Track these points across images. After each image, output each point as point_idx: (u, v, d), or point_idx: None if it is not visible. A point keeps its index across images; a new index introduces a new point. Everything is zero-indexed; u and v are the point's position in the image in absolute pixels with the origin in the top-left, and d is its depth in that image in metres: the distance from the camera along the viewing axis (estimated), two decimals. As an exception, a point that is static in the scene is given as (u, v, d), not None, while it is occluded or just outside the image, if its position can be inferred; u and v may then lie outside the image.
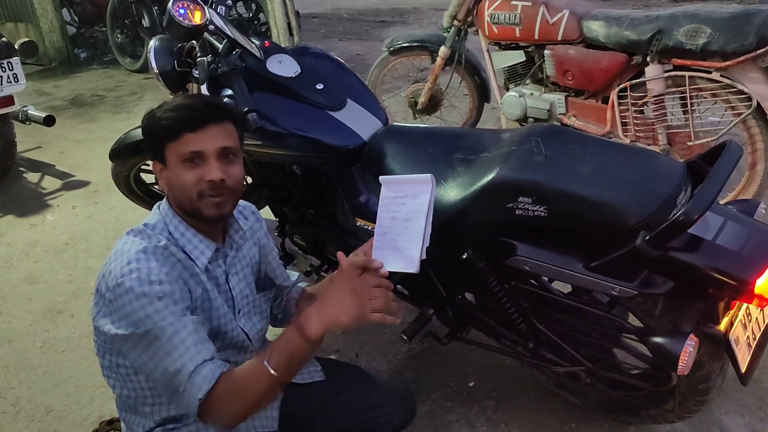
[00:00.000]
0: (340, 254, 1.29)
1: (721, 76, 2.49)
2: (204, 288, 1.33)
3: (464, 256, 1.60)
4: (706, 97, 2.62)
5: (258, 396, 1.19)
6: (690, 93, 2.58)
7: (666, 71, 2.63)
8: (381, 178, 1.38)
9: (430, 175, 1.29)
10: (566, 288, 1.67)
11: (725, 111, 2.63)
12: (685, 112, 2.68)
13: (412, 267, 1.28)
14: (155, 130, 1.30)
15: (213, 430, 1.37)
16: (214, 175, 1.28)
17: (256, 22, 6.39)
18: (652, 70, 2.64)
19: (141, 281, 1.20)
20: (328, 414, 1.52)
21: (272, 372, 1.17)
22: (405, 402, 1.63)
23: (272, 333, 1.64)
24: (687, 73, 2.55)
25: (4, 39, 3.53)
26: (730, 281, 1.30)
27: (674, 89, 2.64)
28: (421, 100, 3.59)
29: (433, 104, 3.66)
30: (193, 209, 1.31)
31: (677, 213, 1.24)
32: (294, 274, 1.69)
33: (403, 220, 1.30)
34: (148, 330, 1.19)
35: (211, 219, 1.33)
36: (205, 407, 1.19)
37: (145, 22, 5.85)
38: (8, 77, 3.51)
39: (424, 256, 1.28)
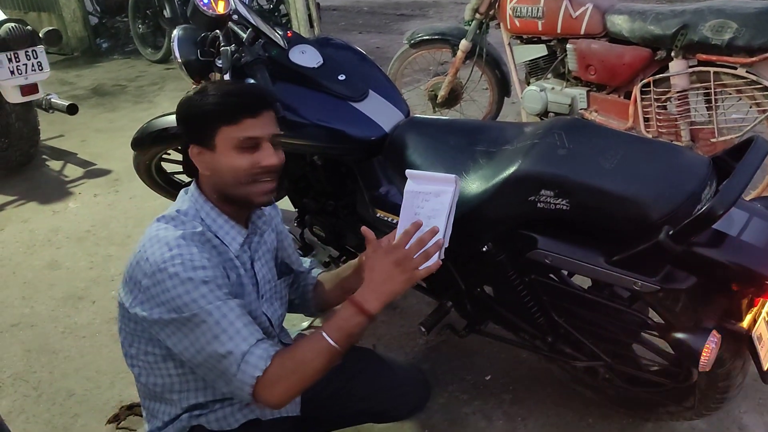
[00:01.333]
0: (365, 229, 1.32)
1: (746, 72, 2.45)
2: (237, 273, 1.35)
3: (484, 249, 1.60)
4: (730, 93, 2.59)
5: (317, 370, 1.23)
6: (714, 89, 2.54)
7: (690, 66, 2.60)
8: (408, 171, 1.39)
9: (455, 176, 1.31)
10: (586, 282, 1.67)
11: (750, 107, 2.59)
12: (708, 108, 2.65)
13: (431, 263, 1.29)
14: (206, 112, 1.29)
15: (240, 414, 1.40)
16: (272, 161, 1.30)
17: (276, 13, 6.40)
18: (676, 66, 2.61)
19: (185, 267, 1.21)
20: (346, 396, 1.55)
21: (336, 346, 1.22)
22: (420, 385, 1.65)
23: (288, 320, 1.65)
24: (712, 69, 2.51)
25: (29, 27, 3.56)
26: (754, 278, 1.29)
27: (698, 85, 2.61)
28: (441, 93, 3.58)
29: (452, 98, 3.65)
30: (243, 195, 1.32)
31: (702, 208, 1.23)
32: (307, 261, 1.71)
33: (426, 217, 1.32)
34: (194, 314, 1.20)
35: (260, 204, 1.36)
36: (261, 386, 1.21)
37: (167, 13, 5.89)
38: (33, 65, 3.55)
39: (443, 256, 1.31)
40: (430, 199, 1.33)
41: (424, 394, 1.65)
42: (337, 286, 1.59)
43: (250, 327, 1.25)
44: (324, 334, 1.23)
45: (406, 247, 1.25)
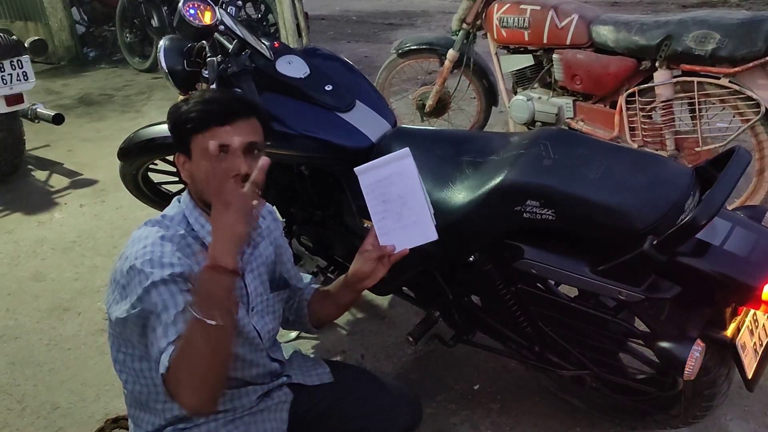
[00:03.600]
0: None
1: (729, 82, 2.48)
2: None
3: (471, 259, 1.61)
4: (714, 103, 2.62)
5: (207, 355, 1.10)
6: (698, 99, 2.57)
7: (674, 77, 2.63)
8: (355, 169, 1.37)
9: (406, 148, 1.31)
10: (573, 291, 1.67)
11: (733, 117, 2.63)
12: (693, 118, 2.68)
13: (430, 235, 1.31)
14: (183, 121, 1.32)
15: (224, 430, 1.38)
16: (242, 169, 1.28)
17: (264, 23, 6.41)
18: (660, 76, 2.64)
19: (153, 263, 1.22)
20: (337, 416, 1.53)
21: (207, 321, 1.09)
22: (412, 405, 1.63)
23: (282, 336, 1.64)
24: (696, 79, 2.54)
25: (14, 37, 3.55)
26: (737, 287, 1.30)
27: (682, 95, 2.64)
28: (429, 102, 3.60)
29: (440, 107, 3.66)
30: None
31: (685, 218, 1.24)
32: (307, 277, 1.70)
33: (398, 198, 1.31)
34: (144, 308, 1.21)
35: None
36: (168, 386, 1.15)
37: (154, 22, 5.88)
38: (18, 75, 3.53)
39: (435, 222, 1.31)
40: (393, 181, 1.32)
41: (416, 415, 1.63)
42: (331, 303, 1.56)
43: (182, 324, 1.17)
44: (191, 311, 1.12)
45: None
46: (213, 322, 1.09)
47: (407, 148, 1.31)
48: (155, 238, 1.27)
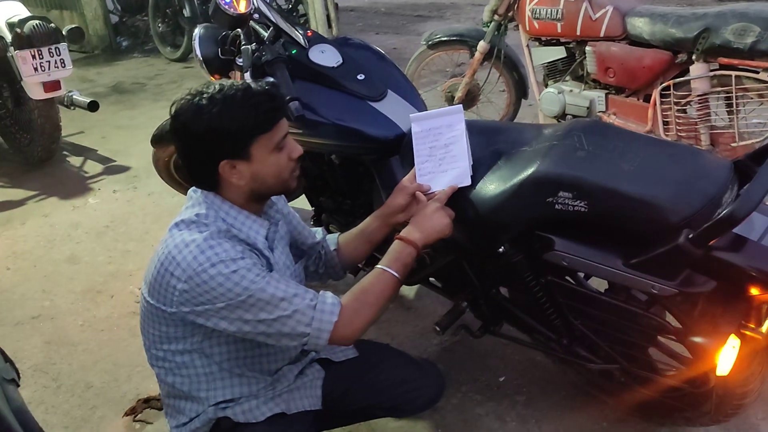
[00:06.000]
0: (418, 194, 1.54)
1: (769, 76, 2.43)
2: (268, 262, 1.38)
3: (501, 250, 1.60)
4: (752, 98, 2.56)
5: (386, 299, 1.39)
6: (736, 93, 2.52)
7: (711, 70, 2.57)
8: (411, 115, 1.58)
9: (459, 105, 1.49)
10: (603, 285, 1.66)
11: (772, 112, 2.57)
12: (729, 113, 2.63)
13: (465, 180, 1.52)
14: (238, 126, 1.27)
15: (266, 408, 1.43)
16: (300, 150, 1.40)
17: (294, 13, 6.44)
18: (697, 69, 2.59)
19: (225, 263, 1.24)
20: (362, 389, 1.57)
21: (396, 275, 1.40)
22: (435, 377, 1.68)
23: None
24: (733, 73, 2.49)
25: (52, 25, 3.61)
26: (775, 283, 1.27)
27: (719, 89, 2.58)
28: (458, 94, 3.58)
29: (469, 99, 3.64)
30: (282, 188, 1.40)
31: (722, 212, 1.22)
32: (318, 230, 1.73)
33: (443, 146, 1.51)
34: (249, 295, 1.25)
35: (293, 190, 1.45)
36: (338, 327, 1.31)
37: (186, 12, 5.95)
38: (56, 62, 3.59)
39: (469, 181, 1.52)
40: (443, 131, 1.51)
41: (439, 387, 1.68)
42: (363, 241, 1.66)
43: (302, 287, 1.34)
44: (384, 267, 1.40)
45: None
46: (399, 277, 1.40)
47: (460, 105, 1.47)
48: (204, 239, 1.26)
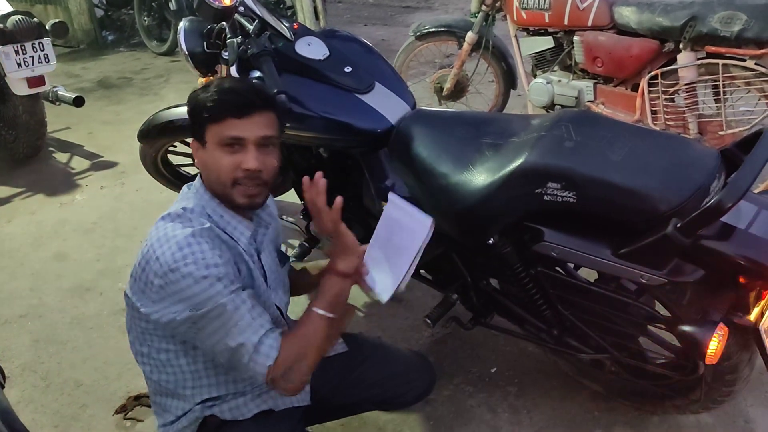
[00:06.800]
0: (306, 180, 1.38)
1: (755, 64, 2.44)
2: (247, 266, 1.36)
3: (490, 242, 1.60)
4: (739, 86, 2.57)
5: (321, 342, 1.30)
6: (723, 81, 2.53)
7: (699, 59, 2.58)
8: (390, 195, 1.46)
9: (432, 219, 1.36)
10: (592, 275, 1.66)
11: (759, 100, 2.58)
12: (717, 101, 2.64)
13: (384, 293, 1.39)
14: (200, 109, 1.31)
15: (253, 405, 1.42)
16: (251, 164, 1.29)
17: (281, 6, 6.38)
18: (684, 58, 2.60)
19: (198, 265, 1.22)
20: (352, 384, 1.57)
21: (327, 314, 1.30)
22: (425, 371, 1.68)
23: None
24: (720, 61, 2.50)
25: (36, 19, 3.56)
26: (762, 270, 1.29)
27: (707, 77, 2.59)
28: (447, 86, 3.57)
29: (458, 90, 3.64)
30: (224, 194, 1.33)
31: (710, 201, 1.22)
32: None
33: (396, 247, 1.39)
34: (210, 309, 1.23)
35: (241, 207, 1.35)
36: (274, 373, 1.26)
37: (172, 5, 5.87)
38: (39, 57, 3.54)
39: (401, 289, 1.38)
40: (404, 234, 1.38)
41: (430, 380, 1.69)
42: (306, 283, 1.63)
43: (260, 318, 1.27)
44: (315, 309, 1.31)
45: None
46: (331, 315, 1.31)
47: (431, 220, 1.36)
48: (186, 236, 1.24)
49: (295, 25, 1.98)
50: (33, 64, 3.52)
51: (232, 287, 1.25)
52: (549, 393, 1.97)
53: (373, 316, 2.36)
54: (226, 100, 1.29)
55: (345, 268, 1.34)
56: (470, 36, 3.37)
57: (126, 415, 1.99)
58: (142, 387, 2.05)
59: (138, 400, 2.03)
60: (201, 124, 1.31)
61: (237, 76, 1.95)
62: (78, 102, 3.67)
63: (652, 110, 2.76)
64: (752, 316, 1.36)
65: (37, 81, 3.57)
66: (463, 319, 1.92)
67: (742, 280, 1.34)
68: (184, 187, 1.41)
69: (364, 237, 2.10)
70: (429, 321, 1.85)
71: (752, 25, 2.37)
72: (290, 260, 1.69)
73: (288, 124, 1.86)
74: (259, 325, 1.27)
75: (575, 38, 2.94)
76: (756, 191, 1.51)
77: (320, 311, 1.31)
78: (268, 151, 1.33)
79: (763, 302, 1.38)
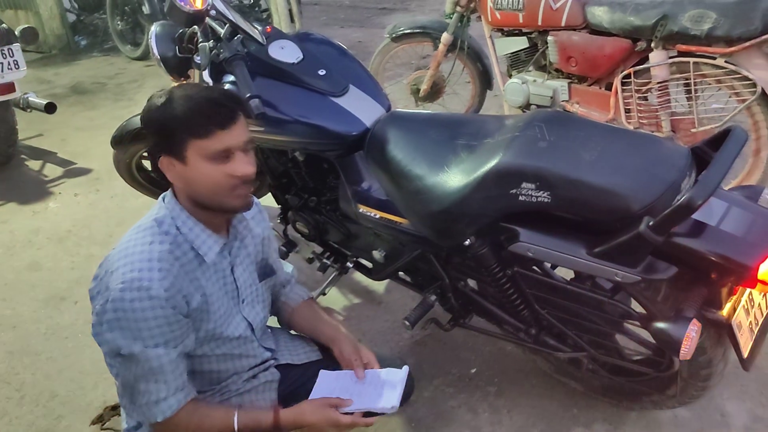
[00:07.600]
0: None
1: (725, 62, 2.47)
2: (203, 293, 1.33)
3: (467, 243, 1.60)
4: (710, 84, 2.61)
5: None
6: (694, 79, 2.56)
7: (670, 57, 2.61)
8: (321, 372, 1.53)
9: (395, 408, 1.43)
10: (569, 274, 1.67)
11: (729, 97, 2.62)
12: (689, 99, 2.67)
13: (391, 405, 1.42)
14: (174, 125, 1.23)
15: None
16: (248, 170, 1.27)
17: (257, 8, 6.35)
18: (656, 56, 2.62)
19: (141, 297, 1.21)
20: None
21: (236, 428, 1.32)
22: None
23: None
24: (691, 59, 2.53)
25: (4, 25, 3.51)
26: (734, 266, 1.30)
27: (678, 75, 2.62)
28: (423, 87, 3.58)
29: (435, 91, 3.64)
30: (219, 204, 1.30)
31: (681, 198, 1.24)
32: (288, 266, 1.69)
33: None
34: (133, 354, 1.24)
35: (238, 211, 1.35)
36: (159, 428, 1.32)
37: (145, 9, 5.81)
38: (9, 64, 3.49)
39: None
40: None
41: (409, 383, 1.66)
42: (311, 328, 1.63)
43: (178, 379, 1.30)
44: (236, 416, 1.33)
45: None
46: (239, 428, 1.33)
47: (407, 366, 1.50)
48: (141, 260, 1.24)
49: (268, 29, 1.96)
50: (2, 71, 3.48)
51: (170, 334, 1.26)
52: (528, 392, 1.97)
53: (352, 319, 2.35)
54: (209, 113, 1.22)
55: (285, 425, 1.36)
56: (446, 37, 3.37)
57: (103, 425, 1.96)
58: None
59: (115, 410, 2.00)
60: (179, 141, 1.23)
61: (210, 80, 1.93)
62: (49, 108, 3.62)
63: (625, 109, 2.79)
64: (725, 312, 1.38)
65: (6, 88, 3.52)
66: (442, 321, 1.92)
67: (714, 276, 1.36)
68: (160, 198, 1.38)
69: (342, 241, 2.10)
70: (408, 323, 1.84)
71: (722, 23, 2.41)
72: (291, 281, 1.69)
73: (262, 128, 1.85)
74: (172, 379, 1.29)
75: (549, 38, 2.96)
76: (726, 188, 1.53)
77: (237, 423, 1.33)
78: (250, 153, 1.31)
79: (734, 297, 1.40)
